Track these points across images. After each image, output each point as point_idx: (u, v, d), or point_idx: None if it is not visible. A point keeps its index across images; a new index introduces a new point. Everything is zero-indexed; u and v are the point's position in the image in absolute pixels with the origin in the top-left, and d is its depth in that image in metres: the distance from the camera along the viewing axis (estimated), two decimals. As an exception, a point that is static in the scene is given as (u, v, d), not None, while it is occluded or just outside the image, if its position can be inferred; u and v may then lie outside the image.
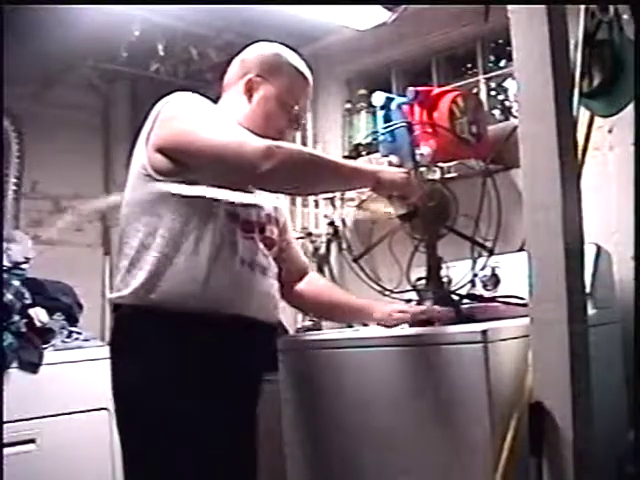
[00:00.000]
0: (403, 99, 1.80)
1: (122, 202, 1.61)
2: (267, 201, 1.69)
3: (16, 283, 2.70)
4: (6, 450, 2.33)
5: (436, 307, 1.65)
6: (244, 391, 1.60)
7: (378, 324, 1.72)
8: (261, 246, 1.62)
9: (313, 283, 1.89)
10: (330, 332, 1.85)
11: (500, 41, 2.66)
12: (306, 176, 1.52)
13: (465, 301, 1.71)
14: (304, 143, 2.93)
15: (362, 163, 1.77)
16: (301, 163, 1.50)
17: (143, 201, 1.55)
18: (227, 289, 1.54)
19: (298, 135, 2.78)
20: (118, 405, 1.57)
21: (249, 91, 1.66)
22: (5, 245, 2.75)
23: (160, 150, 1.53)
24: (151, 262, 1.51)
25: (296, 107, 1.69)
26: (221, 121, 1.55)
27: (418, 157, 1.69)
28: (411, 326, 1.64)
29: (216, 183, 1.55)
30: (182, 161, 1.51)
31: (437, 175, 1.73)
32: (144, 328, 1.53)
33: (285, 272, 1.76)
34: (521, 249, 1.66)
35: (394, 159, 1.72)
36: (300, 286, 1.85)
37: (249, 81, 1.66)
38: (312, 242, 2.88)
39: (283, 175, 1.46)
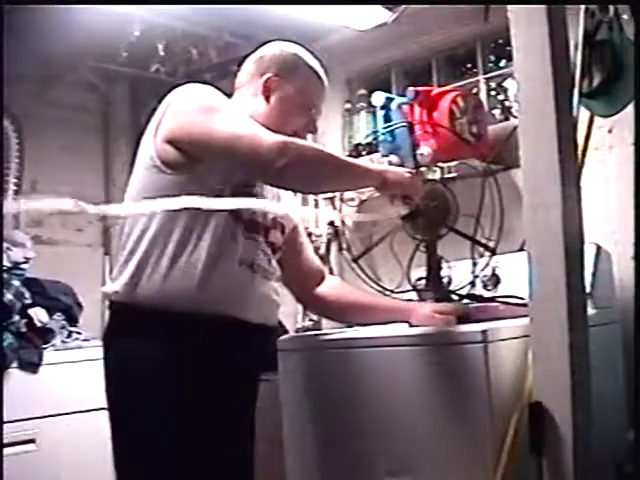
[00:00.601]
0: (403, 99, 1.80)
1: (126, 193, 1.59)
2: (275, 205, 1.67)
3: (16, 283, 2.70)
4: (6, 450, 2.34)
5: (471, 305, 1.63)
6: (241, 391, 1.58)
7: (417, 326, 1.60)
8: (264, 248, 1.59)
9: (334, 286, 1.81)
10: (330, 332, 1.85)
11: (500, 41, 2.66)
12: (318, 173, 1.50)
13: (465, 301, 1.71)
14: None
15: (368, 162, 1.76)
16: (314, 160, 1.48)
17: (147, 192, 1.52)
18: (224, 289, 1.51)
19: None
20: (110, 405, 1.55)
21: (266, 91, 1.63)
22: (5, 245, 2.74)
23: (170, 141, 1.50)
24: (145, 253, 1.49)
25: (313, 110, 1.67)
26: (234, 113, 1.52)
27: (418, 157, 1.69)
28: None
29: (226, 176, 1.52)
30: (192, 153, 1.49)
31: (437, 175, 1.73)
32: (139, 325, 1.51)
33: (301, 277, 1.75)
34: (521, 249, 1.66)
35: (394, 159, 1.72)
36: (319, 290, 1.79)
37: (267, 80, 1.63)
38: (312, 242, 2.88)
39: (295, 171, 1.44)
